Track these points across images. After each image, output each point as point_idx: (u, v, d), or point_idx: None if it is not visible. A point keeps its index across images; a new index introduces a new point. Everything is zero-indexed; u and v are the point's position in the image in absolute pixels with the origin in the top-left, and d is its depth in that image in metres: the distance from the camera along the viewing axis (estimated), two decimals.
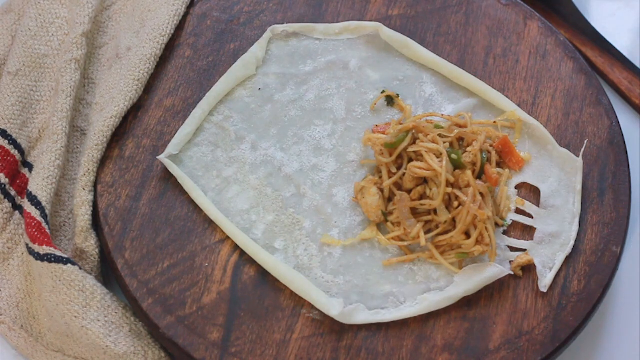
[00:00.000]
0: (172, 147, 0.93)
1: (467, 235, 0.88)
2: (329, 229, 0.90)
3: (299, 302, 0.87)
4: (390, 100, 0.96)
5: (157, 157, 0.92)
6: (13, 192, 0.94)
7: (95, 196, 0.92)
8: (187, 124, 0.94)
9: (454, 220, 0.88)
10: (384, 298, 0.87)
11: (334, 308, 0.86)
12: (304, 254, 0.89)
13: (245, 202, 0.92)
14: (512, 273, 0.88)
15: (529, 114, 0.96)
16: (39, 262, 0.87)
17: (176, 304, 0.87)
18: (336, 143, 0.94)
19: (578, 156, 0.93)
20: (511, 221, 0.91)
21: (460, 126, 0.92)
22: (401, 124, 0.92)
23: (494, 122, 0.95)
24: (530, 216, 0.92)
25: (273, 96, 0.97)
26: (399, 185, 0.90)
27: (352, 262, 0.89)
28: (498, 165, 0.93)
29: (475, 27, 1.01)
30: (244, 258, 0.89)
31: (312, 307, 0.87)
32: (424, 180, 0.89)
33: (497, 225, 0.91)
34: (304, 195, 0.92)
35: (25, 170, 0.95)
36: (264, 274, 0.89)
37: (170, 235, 0.90)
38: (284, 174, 0.93)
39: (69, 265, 0.87)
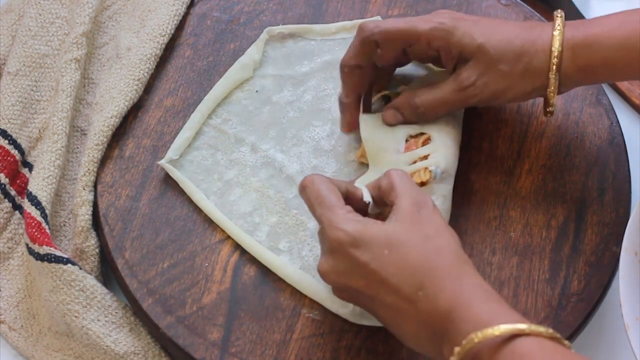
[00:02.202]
0: (173, 152, 0.93)
1: None
2: None
3: (299, 302, 0.87)
4: (388, 99, 0.96)
5: (158, 163, 0.92)
6: (13, 192, 0.94)
7: (95, 196, 0.92)
8: (186, 128, 0.94)
9: None
10: None
11: (343, 306, 0.86)
12: (309, 254, 0.89)
13: (247, 205, 0.92)
14: None
15: (529, 114, 0.96)
16: (39, 262, 0.87)
17: (176, 304, 0.87)
18: (335, 143, 0.94)
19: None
20: None
21: None
22: None
23: None
24: None
25: (271, 98, 0.97)
26: None
27: None
28: None
29: None
30: (244, 258, 0.89)
31: (312, 307, 0.87)
32: None
33: None
34: None
35: (25, 170, 0.95)
36: (264, 274, 0.89)
37: (170, 235, 0.90)
38: (285, 175, 0.93)
39: (69, 265, 0.87)
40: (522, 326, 0.70)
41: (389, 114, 0.89)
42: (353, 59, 0.88)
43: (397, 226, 0.77)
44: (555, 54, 0.84)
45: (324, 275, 0.79)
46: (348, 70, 0.89)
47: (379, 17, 1.00)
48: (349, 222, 0.78)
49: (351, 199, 0.82)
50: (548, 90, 0.86)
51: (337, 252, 0.77)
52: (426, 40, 0.86)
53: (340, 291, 0.80)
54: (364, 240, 0.76)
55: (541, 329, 0.70)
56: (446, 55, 0.86)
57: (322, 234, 0.79)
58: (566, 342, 0.71)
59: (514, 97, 0.87)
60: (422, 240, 0.76)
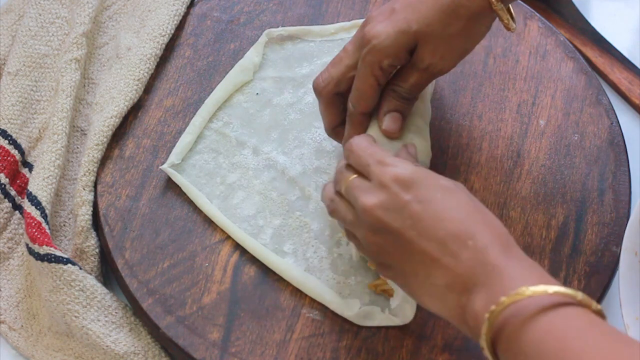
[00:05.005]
0: (175, 157, 0.93)
1: None
2: (337, 230, 0.90)
3: (299, 302, 0.87)
4: None
5: (161, 167, 0.92)
6: (13, 192, 0.94)
7: (95, 196, 0.92)
8: (187, 132, 0.94)
9: None
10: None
11: (349, 309, 0.86)
12: (313, 256, 0.89)
13: (251, 208, 0.91)
14: None
15: (529, 114, 0.96)
16: (39, 262, 0.87)
17: (176, 304, 0.87)
18: (337, 145, 0.94)
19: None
20: None
21: None
22: None
23: None
24: None
25: (271, 100, 0.97)
26: None
27: (362, 263, 0.89)
28: None
29: None
30: (244, 258, 0.89)
31: (312, 307, 0.87)
32: None
33: None
34: (310, 197, 0.91)
35: (25, 170, 0.95)
36: (264, 274, 0.89)
37: (170, 235, 0.90)
38: (288, 177, 0.92)
39: (69, 265, 0.87)
40: (577, 293, 0.68)
41: (390, 121, 0.86)
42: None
43: (446, 180, 0.76)
44: None
45: (369, 210, 0.76)
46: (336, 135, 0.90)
47: None
48: (405, 163, 0.77)
49: None
50: (502, 21, 0.83)
51: (389, 188, 0.75)
52: (380, 69, 0.85)
53: (374, 232, 0.76)
54: (420, 179, 0.75)
55: (592, 302, 0.68)
56: (398, 60, 0.85)
57: (358, 179, 0.78)
58: (606, 319, 0.69)
59: (478, 41, 0.86)
60: (469, 199, 0.75)
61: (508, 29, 0.85)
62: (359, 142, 0.81)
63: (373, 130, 0.87)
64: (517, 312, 0.68)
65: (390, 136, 0.86)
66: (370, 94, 0.85)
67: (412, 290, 0.76)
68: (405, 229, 0.74)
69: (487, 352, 0.69)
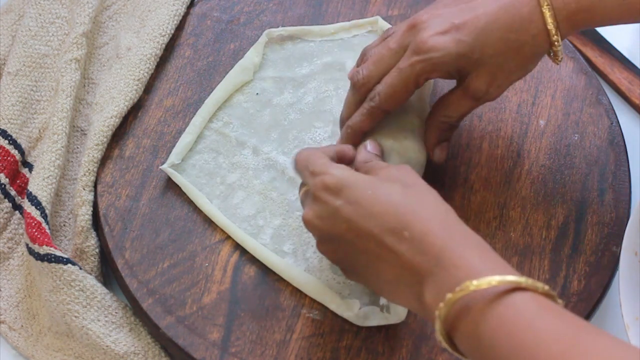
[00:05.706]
0: (175, 157, 0.93)
1: None
2: None
3: (299, 302, 0.87)
4: None
5: (161, 167, 0.92)
6: (13, 192, 0.94)
7: (95, 196, 0.92)
8: (187, 132, 0.94)
9: None
10: None
11: (349, 309, 0.86)
12: (313, 256, 0.89)
13: (251, 208, 0.91)
14: None
15: (529, 114, 0.96)
16: (39, 262, 0.87)
17: (176, 304, 0.87)
18: None
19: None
20: None
21: None
22: None
23: None
24: None
25: (271, 100, 0.97)
26: None
27: None
28: None
29: None
30: (244, 258, 0.89)
31: (312, 307, 0.87)
32: None
33: None
34: None
35: (25, 170, 0.95)
36: (264, 274, 0.89)
37: (170, 235, 0.90)
38: (288, 177, 0.92)
39: (69, 265, 0.87)
40: (520, 279, 0.67)
41: (441, 152, 0.88)
42: (366, 126, 0.87)
43: (379, 175, 0.77)
44: (553, 32, 0.81)
45: (307, 223, 0.78)
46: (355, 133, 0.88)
47: (378, 17, 1.00)
48: (333, 168, 0.78)
49: (341, 160, 0.83)
50: (557, 58, 0.84)
51: (321, 198, 0.77)
52: (425, 79, 0.85)
53: (322, 242, 0.79)
54: (348, 182, 0.76)
55: (538, 284, 0.67)
56: (446, 76, 0.86)
57: (308, 190, 0.79)
58: (559, 300, 0.68)
59: (525, 74, 0.86)
60: (403, 186, 0.75)
61: (557, 62, 0.85)
62: (299, 155, 0.82)
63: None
64: (466, 307, 0.67)
65: (438, 164, 0.88)
66: (405, 98, 0.85)
67: (374, 288, 0.78)
68: (344, 233, 0.75)
69: (445, 345, 0.69)
